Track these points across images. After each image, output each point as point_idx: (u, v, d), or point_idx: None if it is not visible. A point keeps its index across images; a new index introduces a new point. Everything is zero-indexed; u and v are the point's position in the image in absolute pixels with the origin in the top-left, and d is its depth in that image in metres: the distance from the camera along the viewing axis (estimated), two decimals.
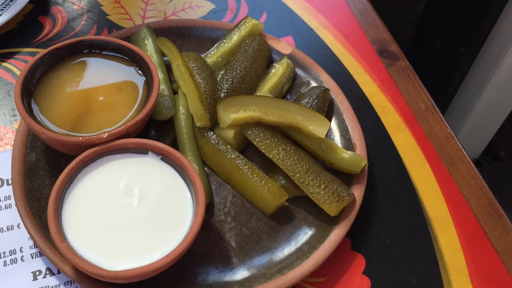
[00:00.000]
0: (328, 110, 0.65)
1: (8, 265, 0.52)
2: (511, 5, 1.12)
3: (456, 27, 1.31)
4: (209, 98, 0.62)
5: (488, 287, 0.54)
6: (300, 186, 0.56)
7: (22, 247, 0.53)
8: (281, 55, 0.70)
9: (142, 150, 0.53)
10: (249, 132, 0.59)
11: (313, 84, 0.67)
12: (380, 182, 0.62)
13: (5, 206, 0.56)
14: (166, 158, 0.53)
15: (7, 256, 0.52)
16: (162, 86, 0.62)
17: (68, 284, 0.51)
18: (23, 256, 0.53)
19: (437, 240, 0.58)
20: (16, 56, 0.70)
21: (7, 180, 0.58)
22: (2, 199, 0.56)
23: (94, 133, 0.53)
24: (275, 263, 0.53)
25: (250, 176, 0.57)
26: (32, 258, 0.53)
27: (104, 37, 0.61)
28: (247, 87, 0.63)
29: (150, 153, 0.53)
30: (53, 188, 0.49)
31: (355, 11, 0.83)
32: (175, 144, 0.60)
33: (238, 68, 0.64)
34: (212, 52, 0.69)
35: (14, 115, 0.64)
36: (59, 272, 0.52)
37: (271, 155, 0.57)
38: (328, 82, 0.67)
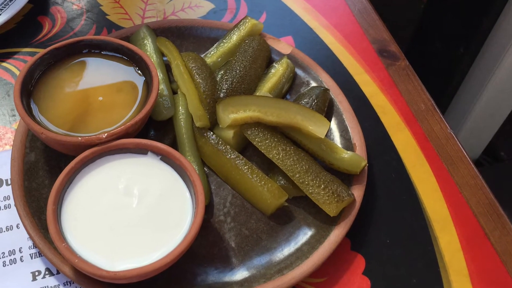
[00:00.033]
0: (327, 110, 0.65)
1: (7, 265, 0.52)
2: (511, 5, 1.12)
3: (456, 27, 1.31)
4: (209, 98, 0.61)
5: None
6: (300, 186, 0.56)
7: (21, 248, 0.53)
8: (281, 55, 0.70)
9: (141, 150, 0.53)
10: (249, 132, 0.59)
11: (313, 84, 0.67)
12: (380, 182, 0.62)
13: (4, 206, 0.56)
14: (166, 158, 0.53)
15: (6, 256, 0.52)
16: (162, 86, 0.62)
17: (67, 284, 0.51)
18: (22, 256, 0.52)
19: (437, 241, 0.58)
20: (16, 56, 0.70)
21: (6, 180, 0.58)
22: (1, 199, 0.56)
23: (93, 133, 0.53)
24: (275, 263, 0.53)
25: (250, 176, 0.57)
26: (32, 258, 0.52)
27: (103, 37, 0.61)
28: (246, 87, 0.63)
29: (149, 153, 0.53)
30: (53, 188, 0.48)
31: (355, 11, 0.83)
32: (174, 144, 0.60)
33: (238, 68, 0.64)
34: (212, 52, 0.68)
35: (13, 115, 0.64)
36: (58, 273, 0.52)
37: (271, 155, 0.57)
38: (328, 82, 0.67)
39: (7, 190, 0.57)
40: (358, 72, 0.74)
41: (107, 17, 0.77)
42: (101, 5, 0.79)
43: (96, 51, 0.60)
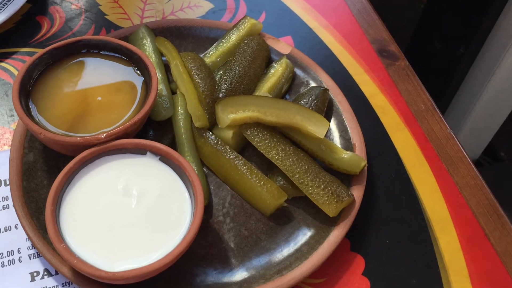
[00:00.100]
0: (327, 110, 0.65)
1: (6, 266, 0.52)
2: (511, 5, 1.12)
3: (456, 27, 1.31)
4: (208, 98, 0.61)
5: None
6: (299, 186, 0.55)
7: (19, 248, 0.53)
8: (280, 55, 0.70)
9: (140, 151, 0.53)
10: (248, 133, 0.59)
11: (312, 84, 0.67)
12: (380, 183, 0.62)
13: (3, 207, 0.56)
14: (165, 159, 0.53)
15: (5, 257, 0.52)
16: (161, 86, 0.62)
17: (66, 285, 0.51)
18: (20, 257, 0.52)
19: (437, 241, 0.57)
20: (14, 56, 0.70)
21: (5, 180, 0.57)
22: (0, 199, 0.56)
23: (92, 133, 0.53)
24: (274, 264, 0.53)
25: (249, 177, 0.56)
26: (30, 259, 0.52)
27: (102, 37, 0.61)
28: (246, 87, 0.63)
29: (148, 153, 0.53)
30: (51, 188, 0.48)
31: (354, 10, 0.83)
32: (173, 145, 0.60)
33: (237, 68, 0.64)
34: (211, 52, 0.68)
35: (12, 115, 0.64)
36: (57, 273, 0.52)
37: (270, 156, 0.57)
38: (327, 82, 0.67)
39: (5, 190, 0.57)
40: (358, 72, 0.74)
41: (106, 17, 0.77)
42: (100, 5, 0.78)
43: (94, 51, 0.60)
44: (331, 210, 0.54)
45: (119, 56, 0.60)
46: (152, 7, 0.79)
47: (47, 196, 0.48)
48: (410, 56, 0.79)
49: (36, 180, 0.55)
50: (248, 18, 0.71)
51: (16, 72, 0.68)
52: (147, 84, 0.58)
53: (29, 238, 0.51)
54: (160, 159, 0.53)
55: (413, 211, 0.60)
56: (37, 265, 0.52)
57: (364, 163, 0.58)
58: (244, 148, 0.62)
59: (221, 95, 0.61)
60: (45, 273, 0.52)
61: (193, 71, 0.63)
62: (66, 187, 0.50)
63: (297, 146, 0.59)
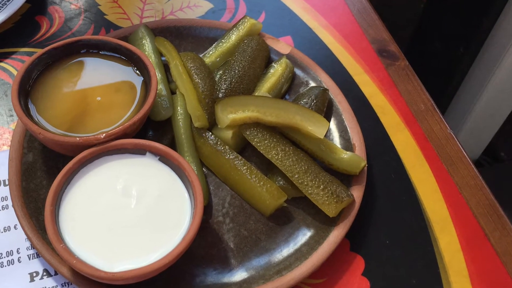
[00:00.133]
0: (327, 110, 0.64)
1: (5, 266, 0.51)
2: (511, 5, 1.12)
3: (456, 27, 1.31)
4: (207, 98, 0.61)
5: None
6: (299, 187, 0.55)
7: (19, 248, 0.53)
8: (280, 55, 0.70)
9: (140, 151, 0.53)
10: (248, 133, 0.59)
11: (312, 84, 0.67)
12: (380, 183, 0.62)
13: (2, 207, 0.55)
14: (164, 159, 0.53)
15: (4, 257, 0.52)
16: (160, 86, 0.62)
17: (65, 285, 0.51)
18: (20, 257, 0.52)
19: (436, 241, 0.57)
20: (13, 56, 0.70)
21: (4, 181, 0.57)
22: None
23: (91, 133, 0.53)
24: (274, 264, 0.53)
25: (249, 177, 0.56)
26: (29, 259, 0.52)
27: (101, 37, 0.61)
28: (245, 87, 0.63)
29: (148, 153, 0.53)
30: (50, 188, 0.48)
31: (354, 10, 0.83)
32: (173, 145, 0.60)
33: (237, 68, 0.64)
34: (211, 52, 0.68)
35: (11, 115, 0.64)
36: (56, 274, 0.52)
37: (270, 156, 0.57)
38: (327, 82, 0.67)
39: (4, 190, 0.56)
40: (358, 72, 0.74)
41: (105, 16, 0.77)
42: (99, 5, 0.78)
43: (94, 51, 0.60)
44: (330, 210, 0.54)
45: (119, 56, 0.60)
46: (152, 7, 0.79)
47: (47, 196, 0.48)
48: (410, 56, 0.79)
49: (35, 180, 0.55)
50: (248, 18, 0.71)
51: (15, 72, 0.68)
52: (146, 84, 0.57)
53: (28, 238, 0.51)
54: (159, 159, 0.53)
55: (413, 212, 0.60)
56: (37, 266, 0.52)
57: (364, 163, 0.58)
58: (244, 148, 0.62)
59: (220, 95, 0.61)
60: (45, 273, 0.52)
61: (193, 71, 0.63)
62: (66, 187, 0.50)
63: (297, 146, 0.59)
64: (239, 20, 0.71)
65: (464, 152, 0.65)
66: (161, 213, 0.49)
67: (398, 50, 0.77)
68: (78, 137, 0.52)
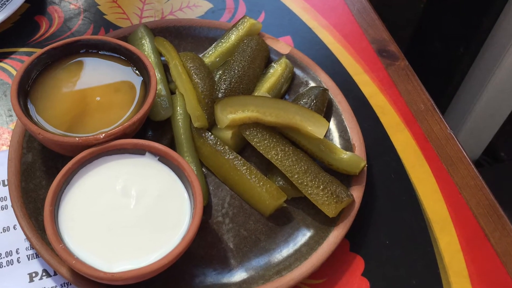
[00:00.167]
0: (327, 110, 0.64)
1: (4, 266, 0.51)
2: (511, 5, 1.11)
3: (456, 27, 1.31)
4: (207, 98, 0.61)
5: None
6: (299, 187, 0.55)
7: (18, 249, 0.53)
8: (280, 55, 0.69)
9: (139, 151, 0.53)
10: (247, 133, 0.59)
11: (312, 84, 0.67)
12: (379, 183, 0.62)
13: (1, 207, 0.55)
14: (164, 159, 0.52)
15: (3, 257, 0.52)
16: (160, 86, 0.62)
17: (64, 286, 0.51)
18: (19, 257, 0.52)
19: (436, 242, 0.57)
20: (12, 56, 0.70)
21: (3, 181, 0.57)
22: None
23: (91, 133, 0.53)
24: (274, 264, 0.53)
25: (248, 177, 0.56)
26: (29, 259, 0.52)
27: (101, 36, 0.61)
28: (245, 87, 0.63)
29: (147, 153, 0.53)
30: (50, 189, 0.48)
31: (354, 10, 0.83)
32: (172, 145, 0.59)
33: (236, 68, 0.64)
34: (210, 52, 0.68)
35: (10, 116, 0.64)
36: (55, 274, 0.52)
37: (270, 156, 0.57)
38: (327, 82, 0.67)
39: (4, 191, 0.56)
40: (357, 72, 0.73)
41: (105, 16, 0.77)
42: (99, 5, 0.78)
43: (93, 51, 0.60)
44: (330, 210, 0.54)
45: (118, 56, 0.60)
46: (151, 7, 0.79)
47: (46, 197, 0.48)
48: (410, 56, 0.79)
49: (34, 181, 0.55)
50: (248, 18, 0.70)
51: (14, 72, 0.68)
52: (146, 84, 0.57)
53: (28, 238, 0.51)
54: (159, 160, 0.53)
55: (413, 212, 0.60)
56: (36, 266, 0.52)
57: (363, 163, 0.58)
58: (243, 149, 0.62)
59: (220, 95, 0.61)
60: (44, 273, 0.52)
61: (192, 71, 0.63)
62: (65, 187, 0.50)
63: (297, 146, 0.59)
64: (239, 20, 0.71)
65: (464, 152, 0.65)
66: (161, 213, 0.49)
67: (398, 50, 0.77)
68: (78, 137, 0.52)
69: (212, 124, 0.61)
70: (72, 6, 0.78)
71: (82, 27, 0.75)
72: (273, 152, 0.57)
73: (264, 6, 0.81)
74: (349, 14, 0.82)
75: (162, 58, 0.66)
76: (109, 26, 0.75)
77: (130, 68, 0.59)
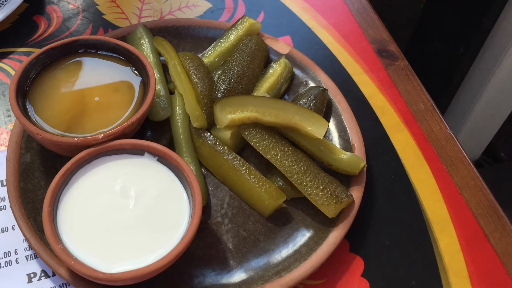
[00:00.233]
0: (326, 110, 0.64)
1: (3, 267, 0.51)
2: (511, 5, 1.11)
3: (456, 27, 1.30)
4: (206, 99, 0.61)
5: None
6: (298, 187, 0.55)
7: (16, 249, 0.53)
8: (279, 55, 0.69)
9: (138, 151, 0.53)
10: (247, 133, 0.58)
11: (311, 84, 0.67)
12: (379, 183, 0.62)
13: (0, 208, 0.55)
14: (163, 159, 0.52)
15: (2, 258, 0.52)
16: (159, 86, 0.61)
17: (63, 286, 0.51)
18: (17, 258, 0.52)
19: (436, 242, 0.57)
20: (11, 56, 0.70)
21: (2, 181, 0.57)
22: None
23: (89, 133, 0.53)
24: (273, 265, 0.53)
25: (248, 177, 0.56)
26: (27, 260, 0.52)
27: (99, 36, 0.60)
28: (244, 87, 0.63)
29: (146, 154, 0.53)
30: (48, 189, 0.48)
31: (353, 10, 0.82)
32: (171, 145, 0.59)
33: (235, 68, 0.63)
34: (209, 52, 0.68)
35: (9, 116, 0.63)
36: (54, 275, 0.51)
37: (269, 156, 0.57)
38: (327, 82, 0.66)
39: (2, 191, 0.56)
40: (357, 72, 0.73)
41: (104, 16, 0.77)
42: (98, 5, 0.78)
43: (92, 51, 0.60)
44: (330, 211, 0.54)
45: (117, 56, 0.60)
46: (150, 6, 0.79)
47: (44, 197, 0.48)
48: (409, 56, 0.78)
49: (33, 181, 0.55)
50: (247, 17, 0.70)
51: (13, 72, 0.68)
52: (145, 84, 0.57)
53: (26, 239, 0.51)
54: (158, 160, 0.53)
55: (412, 212, 0.59)
56: (34, 267, 0.52)
57: (363, 163, 0.57)
58: (243, 149, 0.62)
59: (219, 95, 0.61)
60: (42, 274, 0.51)
61: (191, 71, 0.63)
62: (64, 188, 0.50)
63: (296, 146, 0.59)
64: (238, 20, 0.70)
65: (464, 153, 0.65)
66: (160, 214, 0.49)
67: (397, 50, 0.77)
68: (76, 137, 0.51)
69: (211, 124, 0.61)
70: (70, 6, 0.78)
71: (81, 27, 0.75)
72: (272, 152, 0.57)
73: (263, 5, 0.81)
74: (349, 14, 0.82)
75: (161, 58, 0.66)
76: (108, 26, 0.75)
77: (129, 68, 0.59)
